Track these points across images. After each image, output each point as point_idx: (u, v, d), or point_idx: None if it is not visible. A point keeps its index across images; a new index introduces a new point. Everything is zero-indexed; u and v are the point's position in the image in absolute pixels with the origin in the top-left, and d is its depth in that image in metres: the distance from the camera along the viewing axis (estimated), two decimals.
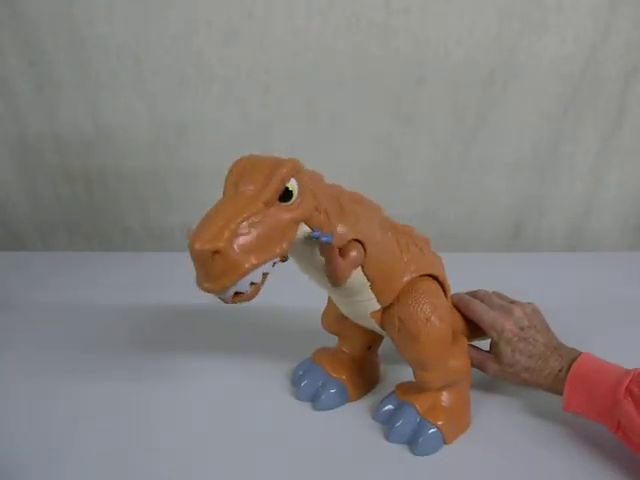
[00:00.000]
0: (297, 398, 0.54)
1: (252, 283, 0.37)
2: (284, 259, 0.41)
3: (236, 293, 0.37)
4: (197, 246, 0.35)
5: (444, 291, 0.51)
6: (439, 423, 0.48)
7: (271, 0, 0.88)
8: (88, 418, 0.52)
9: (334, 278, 0.42)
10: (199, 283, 0.37)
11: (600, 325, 0.67)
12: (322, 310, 0.57)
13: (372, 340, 0.55)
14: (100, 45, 0.90)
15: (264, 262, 0.36)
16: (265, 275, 0.38)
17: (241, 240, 0.35)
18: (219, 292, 0.36)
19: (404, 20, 0.90)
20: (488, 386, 0.56)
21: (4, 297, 0.78)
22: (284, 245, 0.37)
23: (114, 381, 0.58)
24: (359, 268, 0.44)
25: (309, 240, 0.40)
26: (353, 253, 0.42)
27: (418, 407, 0.49)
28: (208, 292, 0.37)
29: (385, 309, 0.48)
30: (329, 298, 0.55)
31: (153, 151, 0.98)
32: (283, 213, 0.37)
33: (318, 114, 0.95)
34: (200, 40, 0.90)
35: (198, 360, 0.62)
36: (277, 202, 0.37)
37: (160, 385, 0.57)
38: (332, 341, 0.57)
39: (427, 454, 0.47)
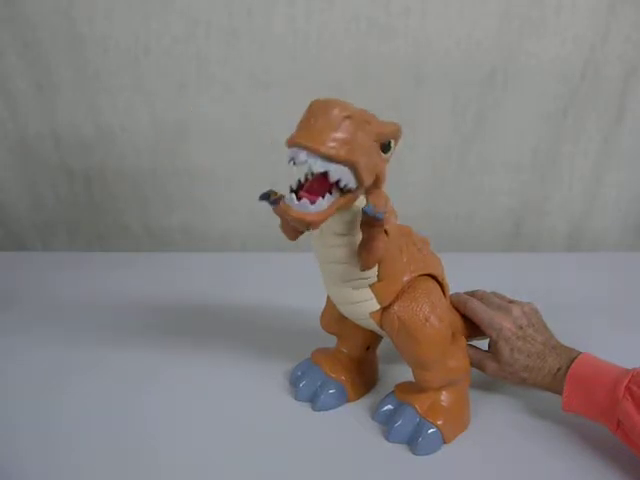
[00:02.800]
0: (296, 399, 0.54)
1: (312, 172, 0.36)
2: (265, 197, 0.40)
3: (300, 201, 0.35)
4: (333, 100, 0.35)
5: (443, 291, 0.51)
6: (438, 423, 0.48)
7: (271, 0, 0.88)
8: (88, 418, 0.52)
9: (371, 258, 0.42)
10: (305, 138, 0.35)
11: (600, 325, 0.67)
12: (321, 310, 0.57)
13: (371, 340, 0.55)
14: (100, 45, 0.90)
15: (359, 174, 0.36)
16: (330, 207, 0.36)
17: (363, 138, 0.36)
18: (322, 153, 0.34)
19: (404, 20, 0.90)
20: (487, 386, 0.56)
21: (4, 297, 0.78)
22: (370, 180, 0.37)
23: (114, 381, 0.58)
24: None
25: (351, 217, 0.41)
26: (384, 236, 0.42)
27: (417, 407, 0.49)
28: (302, 143, 0.34)
29: (384, 309, 0.47)
30: (328, 298, 0.55)
31: (153, 151, 0.98)
32: (379, 155, 0.39)
33: None
34: (200, 40, 0.90)
35: (197, 360, 0.62)
36: (379, 145, 0.38)
37: (159, 385, 0.57)
38: (331, 341, 0.57)
39: (427, 454, 0.47)
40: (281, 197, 0.39)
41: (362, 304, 0.47)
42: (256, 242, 1.04)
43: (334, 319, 0.54)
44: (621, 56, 0.93)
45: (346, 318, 0.52)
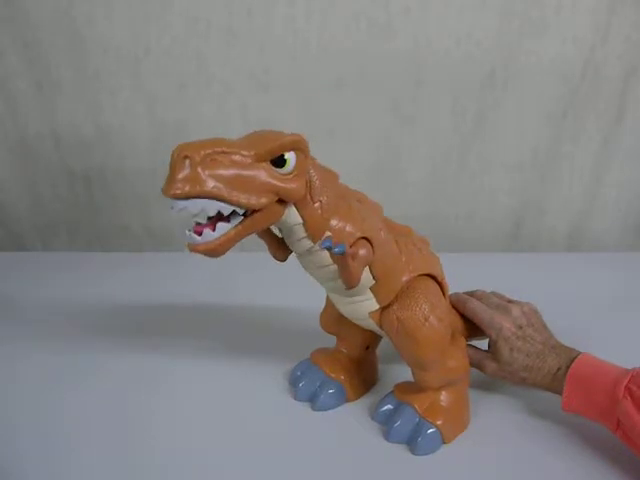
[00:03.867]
0: (295, 399, 0.54)
1: (197, 223, 0.38)
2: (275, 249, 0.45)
3: (192, 237, 0.37)
4: (179, 145, 0.36)
5: (442, 291, 0.51)
6: (438, 423, 0.48)
7: (271, 0, 0.88)
8: (88, 418, 0.52)
9: (349, 282, 0.42)
10: (163, 188, 0.37)
11: (600, 325, 0.67)
12: (320, 310, 0.57)
13: (370, 340, 0.55)
14: (100, 45, 0.90)
15: (222, 197, 0.36)
16: (226, 237, 0.38)
17: (214, 165, 0.36)
18: (170, 196, 0.36)
19: (404, 20, 0.90)
20: (487, 386, 0.56)
21: (4, 297, 0.78)
22: (253, 201, 0.37)
23: (114, 381, 0.58)
24: (367, 267, 0.44)
25: (300, 230, 0.42)
26: (362, 252, 0.42)
27: (417, 407, 0.49)
28: (164, 194, 0.37)
29: (384, 309, 0.47)
30: (327, 298, 0.55)
31: (153, 151, 0.98)
32: (268, 174, 0.38)
33: (318, 114, 0.95)
34: (200, 40, 0.90)
35: (197, 360, 0.62)
36: (269, 163, 0.38)
37: (159, 385, 0.57)
38: (331, 341, 0.57)
39: (426, 454, 0.47)
40: None
41: (361, 304, 0.47)
42: (256, 242, 1.04)
43: (333, 319, 0.54)
44: (621, 56, 0.93)
45: (345, 318, 0.52)
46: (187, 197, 0.36)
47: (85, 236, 1.06)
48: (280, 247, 0.48)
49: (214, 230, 0.37)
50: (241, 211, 0.38)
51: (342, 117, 0.96)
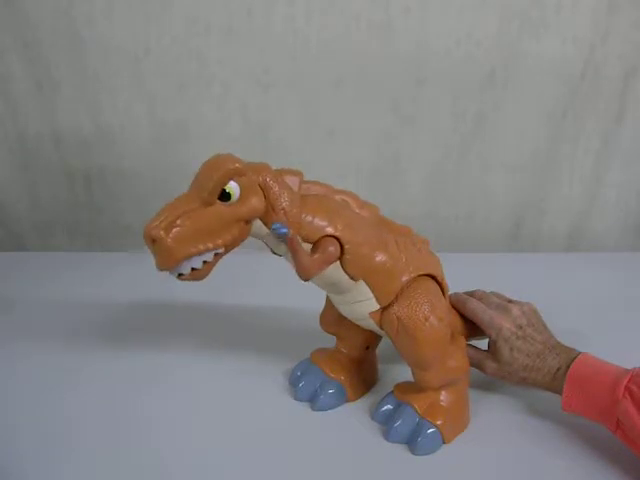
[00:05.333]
0: (295, 399, 0.54)
1: (193, 268, 0.41)
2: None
3: (180, 274, 0.41)
4: (144, 232, 0.40)
5: (442, 291, 0.51)
6: (438, 423, 0.48)
7: (271, 0, 0.88)
8: (87, 418, 0.52)
9: (298, 271, 0.43)
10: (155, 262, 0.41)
11: (600, 325, 0.67)
12: (320, 310, 0.57)
13: (370, 340, 0.55)
14: (100, 45, 0.90)
15: (199, 252, 0.40)
16: (208, 263, 0.42)
17: (176, 232, 0.39)
18: (165, 270, 0.41)
19: (404, 20, 0.90)
20: (487, 386, 0.56)
21: (4, 297, 0.78)
22: (225, 237, 0.42)
23: (113, 381, 0.58)
24: (338, 266, 0.44)
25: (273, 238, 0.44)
26: (330, 248, 0.43)
27: (417, 407, 0.49)
28: (162, 271, 0.41)
29: (384, 309, 0.47)
30: (327, 298, 0.55)
31: (153, 151, 0.98)
32: (223, 211, 0.41)
33: (318, 114, 0.95)
34: (200, 40, 0.90)
35: (197, 360, 0.62)
36: (217, 201, 0.41)
37: (159, 385, 0.57)
38: (330, 341, 0.57)
39: (426, 454, 0.47)
40: None
41: (361, 304, 0.47)
42: (256, 242, 1.04)
43: (333, 319, 0.55)
44: (621, 56, 0.93)
45: (345, 318, 0.52)
46: (174, 266, 0.40)
47: (85, 236, 1.05)
48: None
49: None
50: (220, 250, 0.42)
51: (342, 117, 0.96)
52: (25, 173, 1.00)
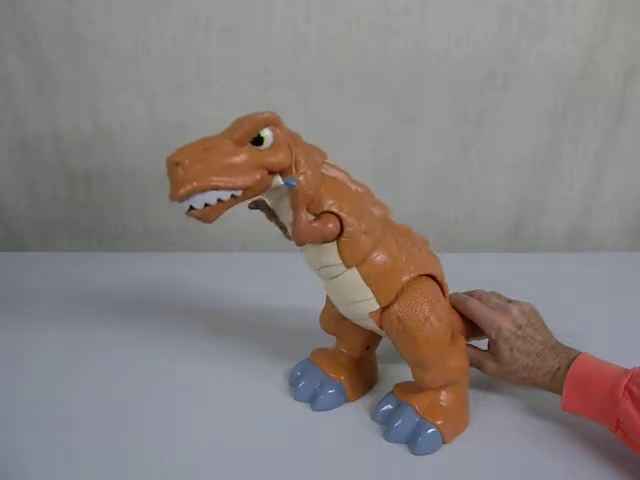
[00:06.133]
0: (295, 399, 0.54)
1: (206, 204, 0.40)
2: (253, 206, 0.48)
3: (191, 208, 0.40)
4: (168, 156, 0.41)
5: (442, 291, 0.51)
6: (438, 423, 0.48)
7: (271, 0, 0.88)
8: (87, 418, 0.52)
9: (294, 232, 0.43)
10: (169, 197, 0.41)
11: (600, 325, 0.67)
12: (320, 310, 0.57)
13: (370, 340, 0.55)
14: (100, 45, 0.90)
15: (218, 186, 0.40)
16: (221, 203, 0.41)
17: (203, 162, 0.39)
18: (176, 200, 0.40)
19: (404, 20, 0.90)
20: (487, 386, 0.56)
21: (4, 297, 0.78)
22: (245, 180, 0.41)
23: (113, 380, 0.58)
24: (333, 247, 0.45)
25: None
26: (330, 224, 0.44)
27: (417, 407, 0.49)
28: (170, 200, 0.41)
29: (384, 309, 0.47)
30: (327, 298, 0.55)
31: (153, 151, 0.98)
32: (252, 153, 0.41)
33: (318, 114, 0.95)
34: (200, 40, 0.90)
35: (196, 360, 0.62)
36: (249, 144, 0.41)
37: (158, 385, 0.57)
38: (330, 341, 0.57)
39: (426, 454, 0.47)
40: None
41: (361, 304, 0.47)
42: (256, 242, 1.04)
43: (333, 319, 0.55)
44: (621, 56, 0.93)
45: (345, 318, 0.52)
46: (188, 197, 0.39)
47: (85, 236, 1.05)
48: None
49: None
50: (238, 193, 0.41)
51: (342, 117, 0.96)
52: (25, 173, 1.00)
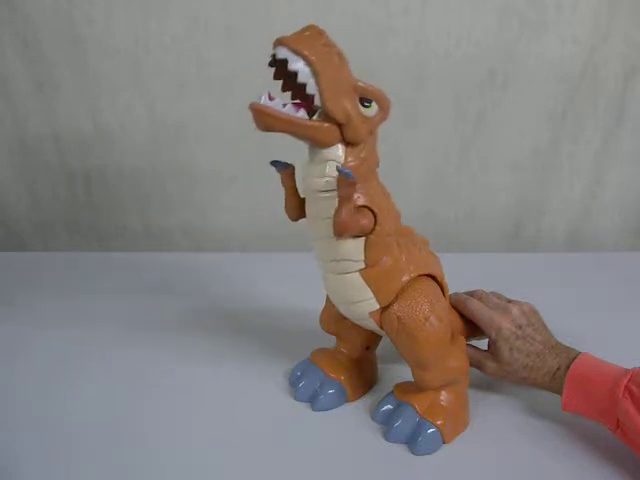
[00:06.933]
0: (295, 399, 0.54)
1: (300, 82, 0.40)
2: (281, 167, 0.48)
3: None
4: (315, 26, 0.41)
5: (442, 291, 0.51)
6: (438, 423, 0.48)
7: (271, 0, 0.88)
8: (87, 417, 0.52)
9: (338, 225, 0.43)
10: (282, 38, 0.42)
11: (600, 325, 0.67)
12: (320, 310, 0.57)
13: (370, 340, 0.55)
14: (100, 45, 0.90)
15: (319, 76, 0.39)
16: (284, 108, 0.41)
17: (331, 58, 0.40)
18: (286, 43, 0.41)
19: (404, 20, 0.90)
20: (487, 386, 0.56)
21: (4, 297, 0.78)
22: (332, 101, 0.40)
23: (113, 381, 0.58)
24: (359, 242, 0.45)
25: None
26: (364, 220, 0.43)
27: (417, 407, 0.49)
28: (280, 43, 0.42)
29: (384, 309, 0.47)
30: (327, 298, 0.55)
31: (153, 151, 0.98)
32: (354, 100, 0.42)
33: None
34: (200, 40, 0.90)
35: (196, 360, 0.62)
36: (358, 96, 0.42)
37: (158, 385, 0.57)
38: (331, 341, 0.57)
39: (426, 454, 0.47)
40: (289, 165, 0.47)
41: (361, 304, 0.47)
42: (256, 242, 1.04)
43: (333, 319, 0.54)
44: (621, 56, 0.93)
45: (345, 318, 0.52)
46: (298, 52, 0.40)
47: (85, 236, 1.06)
48: (297, 207, 0.48)
49: (284, 107, 0.41)
50: (316, 104, 0.41)
51: None
52: (25, 173, 1.00)
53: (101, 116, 0.95)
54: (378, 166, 0.47)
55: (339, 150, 0.43)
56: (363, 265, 0.46)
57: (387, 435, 0.49)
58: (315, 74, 0.39)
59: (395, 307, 0.47)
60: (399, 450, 0.48)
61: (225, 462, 0.47)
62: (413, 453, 0.47)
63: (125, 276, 0.86)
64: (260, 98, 0.41)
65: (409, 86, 0.94)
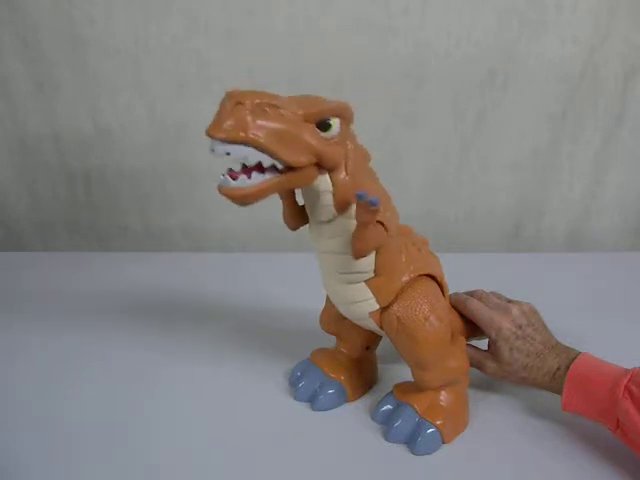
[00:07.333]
0: (295, 399, 0.54)
1: (244, 165, 0.38)
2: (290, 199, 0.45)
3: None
4: (231, 91, 0.38)
5: (442, 291, 0.51)
6: (438, 423, 0.48)
7: (271, 0, 0.88)
8: (87, 418, 0.52)
9: (364, 246, 0.42)
10: (208, 129, 0.37)
11: (600, 325, 0.67)
12: (320, 310, 0.57)
13: (370, 340, 0.55)
14: (100, 45, 0.90)
15: (267, 149, 0.36)
16: (261, 178, 0.38)
17: (263, 116, 0.37)
18: (217, 138, 0.36)
19: (404, 20, 0.90)
20: (487, 386, 0.56)
21: (4, 297, 0.78)
22: (293, 157, 0.38)
23: (113, 381, 0.58)
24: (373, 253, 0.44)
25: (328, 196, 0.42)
26: (380, 237, 0.43)
27: (417, 407, 0.49)
28: (209, 134, 0.37)
29: (384, 309, 0.47)
30: (327, 298, 0.55)
31: (153, 151, 0.98)
32: (313, 135, 0.39)
33: None
34: (200, 40, 0.90)
35: (196, 360, 0.62)
36: (314, 125, 0.39)
37: (159, 385, 0.57)
38: (330, 341, 0.57)
39: (426, 454, 0.47)
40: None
41: (361, 304, 0.47)
42: (256, 242, 1.04)
43: (333, 319, 0.55)
44: (621, 56, 0.93)
45: (345, 318, 0.52)
46: (233, 142, 0.36)
47: (85, 236, 1.06)
48: (296, 216, 0.47)
49: (249, 178, 0.38)
50: (280, 166, 0.38)
51: None
52: (25, 173, 1.00)
53: (101, 116, 0.95)
54: (370, 159, 0.46)
55: (326, 179, 0.42)
56: (372, 275, 0.46)
57: (387, 435, 0.49)
58: (261, 148, 0.36)
59: (395, 307, 0.47)
60: (399, 450, 0.48)
61: (225, 462, 0.47)
62: (413, 453, 0.47)
63: (125, 276, 0.86)
64: (224, 181, 0.38)
65: (409, 86, 0.94)
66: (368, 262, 0.45)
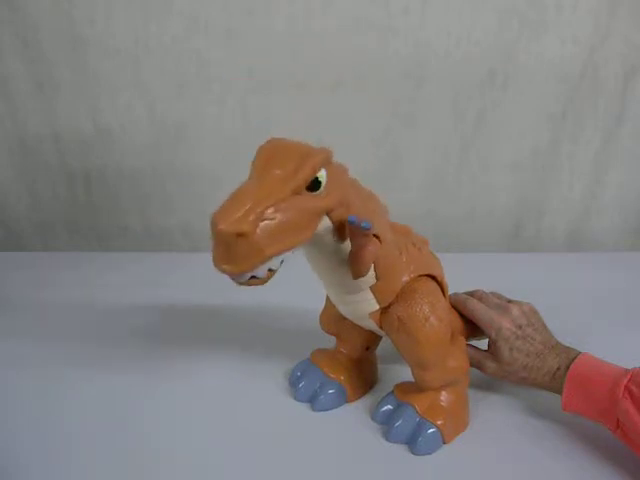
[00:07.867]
0: (295, 399, 0.54)
1: (269, 269, 0.36)
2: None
3: (252, 277, 0.36)
4: (221, 227, 0.33)
5: (442, 291, 0.51)
6: (438, 423, 0.48)
7: (271, 0, 0.88)
8: (87, 418, 0.52)
9: (362, 267, 0.41)
10: (217, 264, 0.35)
11: (600, 325, 0.67)
12: (320, 310, 0.57)
13: (370, 340, 0.55)
14: (100, 45, 0.90)
15: (286, 250, 0.35)
16: (281, 262, 0.37)
17: (266, 225, 0.34)
18: (237, 275, 0.35)
19: (404, 20, 0.90)
20: (487, 386, 0.56)
21: (4, 297, 0.78)
22: (307, 234, 0.37)
23: (113, 381, 0.58)
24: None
25: (328, 233, 0.40)
26: (374, 251, 0.42)
27: (417, 407, 0.49)
28: (225, 273, 0.35)
29: (384, 309, 0.47)
30: (327, 298, 0.55)
31: (153, 151, 0.98)
32: (309, 202, 0.37)
33: (318, 114, 0.95)
34: (200, 40, 0.90)
35: (196, 360, 0.62)
36: (305, 191, 0.37)
37: (158, 385, 0.57)
38: (330, 341, 0.57)
39: (426, 454, 0.47)
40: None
41: (361, 304, 0.47)
42: None
43: (333, 319, 0.54)
44: (621, 56, 0.93)
45: (345, 318, 0.52)
46: (255, 269, 0.35)
47: (85, 236, 1.06)
48: None
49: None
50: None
51: (342, 117, 0.96)
52: (25, 173, 1.00)
53: (101, 116, 0.95)
54: (347, 170, 0.44)
55: (325, 221, 0.39)
56: (374, 281, 0.46)
57: (387, 435, 0.49)
58: (279, 254, 0.35)
59: (395, 307, 0.47)
60: (399, 450, 0.48)
61: (225, 462, 0.47)
62: (413, 453, 0.47)
63: (125, 276, 0.86)
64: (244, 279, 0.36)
65: (409, 86, 0.94)
66: (369, 274, 0.45)
